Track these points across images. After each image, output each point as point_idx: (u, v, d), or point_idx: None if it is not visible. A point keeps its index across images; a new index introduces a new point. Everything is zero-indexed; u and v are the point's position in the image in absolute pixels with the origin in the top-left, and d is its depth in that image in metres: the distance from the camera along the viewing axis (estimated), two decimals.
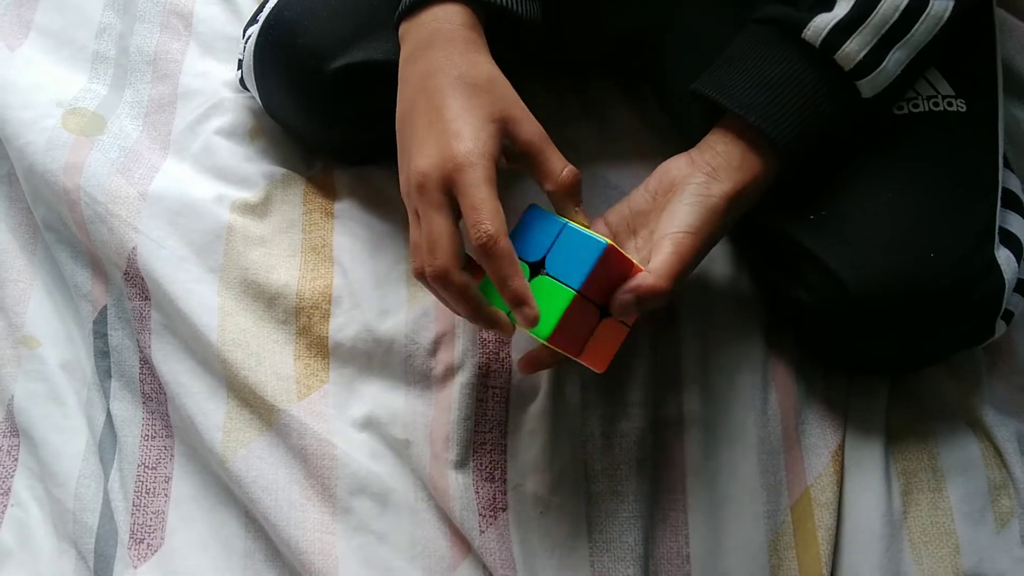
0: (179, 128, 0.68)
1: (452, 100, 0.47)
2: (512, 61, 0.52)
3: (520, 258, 0.47)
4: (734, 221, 0.53)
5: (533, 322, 0.45)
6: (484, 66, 0.49)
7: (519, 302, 0.45)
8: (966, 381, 0.61)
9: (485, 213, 0.44)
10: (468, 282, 0.46)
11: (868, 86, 0.52)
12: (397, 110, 0.51)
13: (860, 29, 0.50)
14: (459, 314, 0.48)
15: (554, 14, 0.55)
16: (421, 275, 0.47)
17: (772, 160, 0.52)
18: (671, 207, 0.51)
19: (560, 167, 0.48)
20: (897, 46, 0.51)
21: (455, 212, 0.46)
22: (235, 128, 0.67)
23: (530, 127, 0.48)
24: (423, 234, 0.46)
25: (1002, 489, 0.57)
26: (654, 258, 0.49)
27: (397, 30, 0.53)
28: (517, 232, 0.49)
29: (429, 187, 0.46)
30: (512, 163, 0.50)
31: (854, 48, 0.51)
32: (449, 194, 0.46)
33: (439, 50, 0.49)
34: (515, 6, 0.51)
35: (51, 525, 0.57)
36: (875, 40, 0.51)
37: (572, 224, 0.48)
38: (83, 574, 0.55)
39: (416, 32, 0.50)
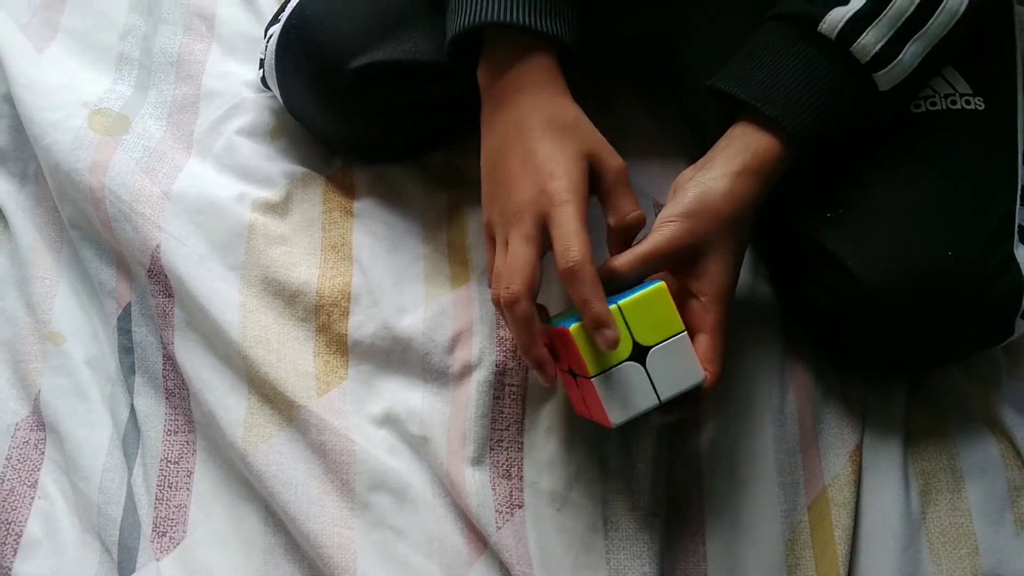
0: (202, 128, 0.68)
1: (543, 142, 0.51)
2: None
3: None
4: (749, 210, 0.52)
5: (613, 344, 0.46)
6: (570, 109, 0.53)
7: (600, 324, 0.46)
8: (985, 381, 0.60)
9: (575, 241, 0.47)
10: (534, 314, 0.48)
11: (885, 79, 0.52)
12: (485, 149, 0.54)
13: (876, 22, 0.51)
14: (518, 345, 0.50)
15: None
16: (497, 301, 0.50)
17: (788, 151, 0.52)
18: (668, 203, 0.52)
19: (629, 209, 0.51)
20: (913, 39, 0.51)
21: (543, 250, 0.49)
22: (256, 128, 0.68)
23: (613, 162, 0.52)
24: (507, 262, 0.49)
25: (1022, 490, 0.57)
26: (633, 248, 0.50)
27: (451, 52, 0.55)
28: None
29: (524, 219, 0.49)
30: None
31: (870, 41, 0.51)
32: (540, 229, 0.49)
33: (527, 95, 0.52)
34: (567, 38, 0.54)
35: (76, 517, 0.58)
36: (891, 32, 0.51)
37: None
38: (107, 565, 0.56)
39: (500, 73, 0.53)
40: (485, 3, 0.52)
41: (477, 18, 0.52)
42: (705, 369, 0.49)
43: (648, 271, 0.50)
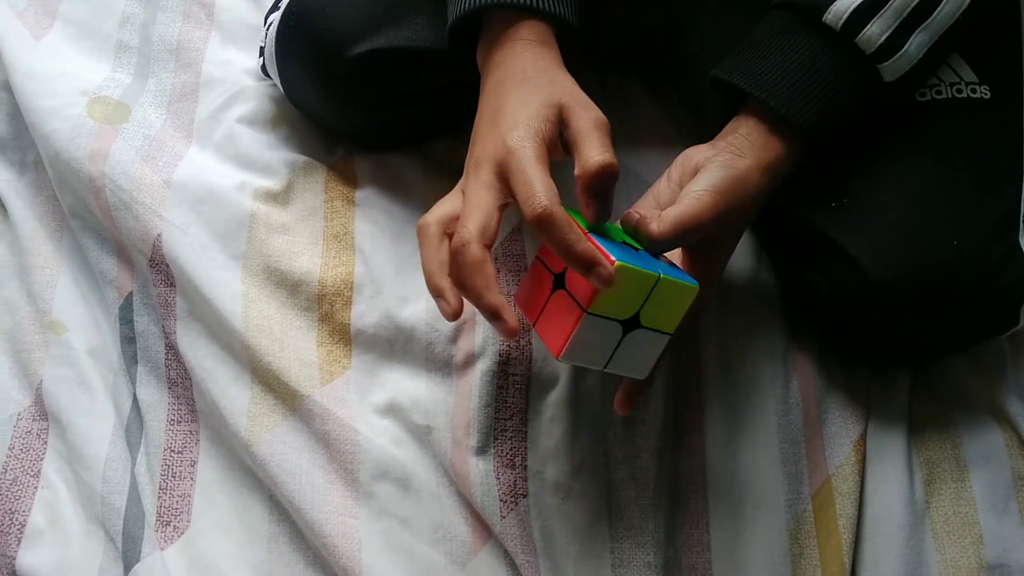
0: (202, 116, 0.68)
1: (512, 96, 0.48)
2: None
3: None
4: (758, 206, 0.52)
5: (609, 281, 0.43)
6: (547, 64, 0.50)
7: (590, 264, 0.43)
8: (989, 371, 0.60)
9: (537, 187, 0.44)
10: (486, 260, 0.45)
11: (890, 70, 0.51)
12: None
13: (881, 12, 0.50)
14: (470, 298, 0.47)
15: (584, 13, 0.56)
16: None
17: (794, 144, 0.52)
18: (696, 177, 0.49)
19: (592, 154, 0.46)
20: (919, 29, 0.51)
21: (502, 197, 0.46)
22: (257, 116, 0.68)
23: (585, 113, 0.48)
24: (463, 209, 0.46)
25: None
26: (669, 210, 0.47)
27: (451, 37, 0.54)
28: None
29: (482, 169, 0.47)
30: (568, 153, 0.49)
31: (875, 31, 0.50)
32: (498, 177, 0.46)
33: (512, 61, 0.50)
34: (570, 18, 0.52)
35: (80, 507, 0.58)
36: (896, 23, 0.50)
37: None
38: (112, 555, 0.56)
39: (494, 49, 0.52)
40: None
41: (476, 2, 0.51)
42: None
43: (680, 240, 0.48)
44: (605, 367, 0.47)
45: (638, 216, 0.47)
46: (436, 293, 0.48)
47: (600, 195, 0.47)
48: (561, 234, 0.43)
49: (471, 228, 0.45)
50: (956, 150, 0.55)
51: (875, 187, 0.54)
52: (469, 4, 0.52)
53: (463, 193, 0.48)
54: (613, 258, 0.44)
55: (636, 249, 0.48)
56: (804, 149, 0.52)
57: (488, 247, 0.45)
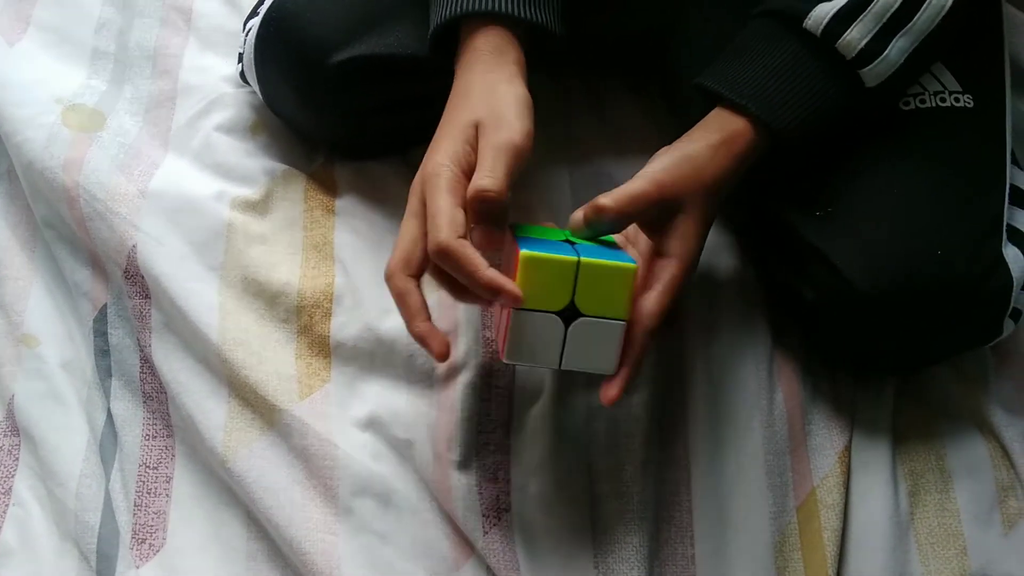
0: (179, 124, 0.67)
1: (449, 113, 0.50)
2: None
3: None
4: (720, 181, 0.51)
5: (517, 300, 0.44)
6: (483, 78, 0.50)
7: (494, 290, 0.44)
8: (974, 381, 0.60)
9: (439, 219, 0.45)
10: (410, 290, 0.47)
11: (871, 75, 0.51)
12: None
13: (861, 17, 0.50)
14: (458, 296, 0.48)
15: (567, 17, 0.55)
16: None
17: (758, 129, 0.51)
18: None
19: (475, 179, 0.46)
20: (899, 34, 0.51)
21: (423, 223, 0.47)
22: (236, 124, 0.67)
23: (493, 135, 0.47)
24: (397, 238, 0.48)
25: (1010, 490, 0.57)
26: (618, 188, 0.48)
27: (432, 46, 0.54)
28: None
29: (413, 196, 0.48)
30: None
31: (855, 36, 0.50)
32: (422, 203, 0.47)
33: (468, 74, 0.51)
34: (551, 24, 0.52)
35: (53, 524, 0.56)
36: (877, 28, 0.50)
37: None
38: (85, 574, 0.55)
39: (460, 60, 0.52)
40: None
41: (451, 12, 0.51)
42: (643, 318, 0.47)
43: (633, 215, 0.48)
44: (561, 365, 0.46)
45: (588, 205, 0.48)
46: (420, 341, 0.48)
47: (483, 219, 0.47)
48: (460, 265, 0.44)
49: (395, 260, 0.47)
50: (939, 159, 0.55)
51: (860, 196, 0.54)
52: (446, 14, 0.52)
53: None
54: (521, 250, 0.44)
55: (572, 243, 0.48)
56: (783, 152, 0.52)
57: (414, 276, 0.47)
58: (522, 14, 0.51)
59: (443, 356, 0.47)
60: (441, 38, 0.53)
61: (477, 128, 0.48)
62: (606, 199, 0.47)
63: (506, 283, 0.44)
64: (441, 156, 0.47)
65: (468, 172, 0.47)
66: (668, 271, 0.49)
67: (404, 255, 0.47)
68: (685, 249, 0.49)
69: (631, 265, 0.45)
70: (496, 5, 0.51)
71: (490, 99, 0.49)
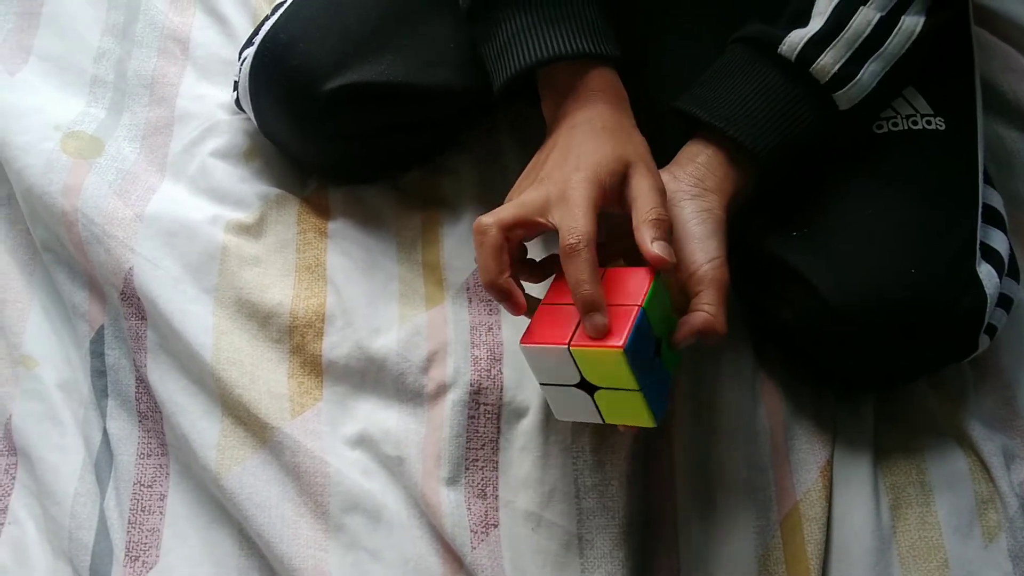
0: (176, 150, 0.68)
1: (587, 141, 0.50)
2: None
3: None
4: (722, 217, 0.52)
5: (602, 331, 0.45)
6: (619, 117, 0.52)
7: (590, 307, 0.45)
8: (953, 396, 0.61)
9: (580, 220, 0.46)
10: (502, 247, 0.47)
11: (844, 98, 0.53)
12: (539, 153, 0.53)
13: (834, 43, 0.52)
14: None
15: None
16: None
17: (752, 172, 0.53)
18: (682, 232, 0.50)
19: (657, 209, 0.48)
20: (872, 59, 0.53)
21: (541, 214, 0.48)
22: (230, 149, 0.68)
23: (649, 176, 0.49)
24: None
25: (989, 503, 0.58)
26: (702, 294, 0.48)
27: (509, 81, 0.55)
28: None
29: (539, 189, 0.49)
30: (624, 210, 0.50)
31: (828, 61, 0.52)
32: (553, 204, 0.48)
33: (585, 109, 0.52)
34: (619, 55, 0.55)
35: (47, 543, 0.57)
36: (849, 53, 0.52)
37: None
38: None
39: (564, 98, 0.53)
40: (541, 40, 0.53)
41: (536, 54, 0.53)
42: (718, 328, 0.47)
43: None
44: (605, 421, 0.48)
45: (697, 330, 0.48)
46: (501, 296, 0.48)
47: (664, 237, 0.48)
48: (579, 269, 0.45)
49: (503, 216, 0.47)
50: (913, 180, 0.56)
51: (835, 217, 0.56)
52: (529, 57, 0.53)
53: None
54: (521, 343, 0.47)
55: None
56: (761, 177, 0.53)
57: (504, 235, 0.47)
58: (597, 50, 0.53)
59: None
60: (515, 80, 0.55)
61: (627, 166, 0.49)
62: (719, 325, 0.48)
63: (601, 307, 0.45)
64: (587, 173, 0.48)
65: (609, 199, 0.48)
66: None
67: (512, 217, 0.48)
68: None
69: (615, 347, 0.44)
70: (576, 46, 0.53)
71: (637, 142, 0.51)
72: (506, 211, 0.48)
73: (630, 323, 0.45)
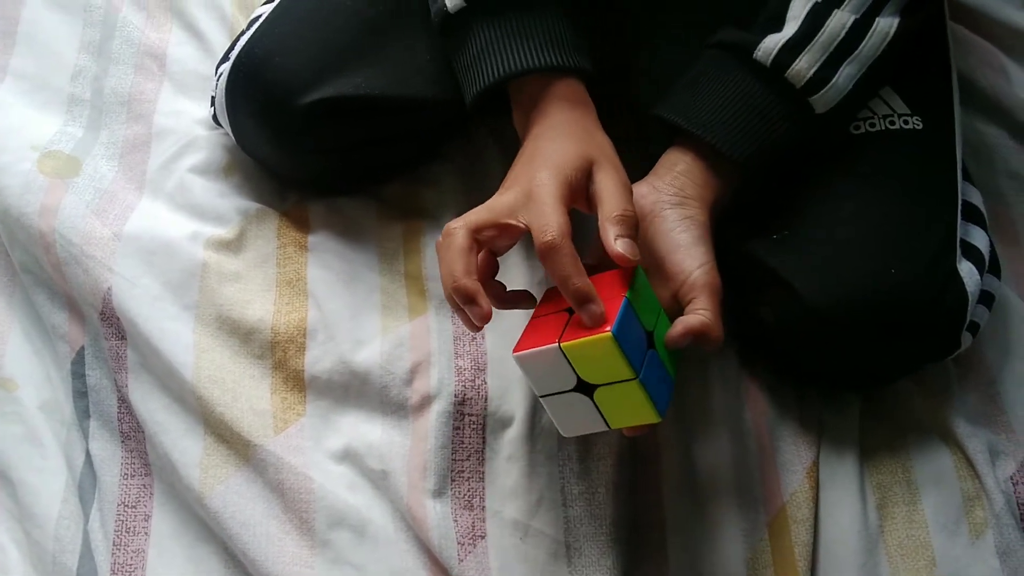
0: (154, 167, 0.68)
1: (551, 144, 0.51)
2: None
3: None
4: (705, 223, 0.52)
5: (599, 319, 0.45)
6: (584, 120, 0.53)
7: (583, 298, 0.45)
8: (937, 394, 0.61)
9: (551, 218, 0.46)
10: (471, 247, 0.47)
11: (820, 102, 0.53)
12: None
13: (809, 47, 0.52)
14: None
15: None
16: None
17: (731, 177, 0.53)
18: (668, 241, 0.50)
19: (618, 205, 0.48)
20: (847, 62, 0.53)
21: (511, 216, 0.48)
22: (209, 165, 0.68)
23: (614, 173, 0.49)
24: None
25: (975, 500, 0.58)
26: (696, 300, 0.48)
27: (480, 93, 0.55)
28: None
29: (507, 192, 0.49)
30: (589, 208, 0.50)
31: (804, 66, 0.52)
32: (522, 204, 0.48)
33: (552, 117, 0.53)
34: (589, 66, 0.55)
35: (30, 567, 0.56)
36: (824, 57, 0.52)
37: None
38: None
39: (532, 109, 0.54)
40: (509, 54, 0.53)
41: (504, 68, 0.53)
42: (715, 331, 0.47)
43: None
44: (610, 426, 0.47)
45: (693, 331, 0.48)
46: (466, 299, 0.47)
47: (629, 234, 0.47)
48: (563, 264, 0.45)
49: (470, 218, 0.47)
50: (892, 180, 0.57)
51: (815, 219, 0.56)
52: (497, 71, 0.53)
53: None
54: (515, 352, 0.46)
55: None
56: (740, 181, 0.53)
57: (475, 240, 0.47)
58: (575, 64, 0.53)
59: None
60: (486, 94, 0.55)
61: (591, 163, 0.49)
62: (715, 331, 0.48)
63: (594, 296, 0.45)
64: (552, 171, 0.48)
65: (575, 195, 0.48)
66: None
67: (480, 220, 0.47)
68: (608, 186, 0.49)
69: (605, 333, 0.44)
70: (575, 61, 0.53)
71: (601, 141, 0.52)
72: (473, 214, 0.48)
73: (617, 312, 0.45)
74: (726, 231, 0.56)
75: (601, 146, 0.51)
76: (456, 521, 0.56)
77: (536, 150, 0.51)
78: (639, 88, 0.65)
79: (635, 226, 0.48)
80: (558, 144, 0.50)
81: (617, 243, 0.46)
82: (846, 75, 0.53)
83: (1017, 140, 0.71)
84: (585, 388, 0.46)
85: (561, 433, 0.49)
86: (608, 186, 0.48)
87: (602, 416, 0.47)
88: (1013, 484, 0.58)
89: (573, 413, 0.48)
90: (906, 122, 0.58)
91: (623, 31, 0.66)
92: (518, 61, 0.53)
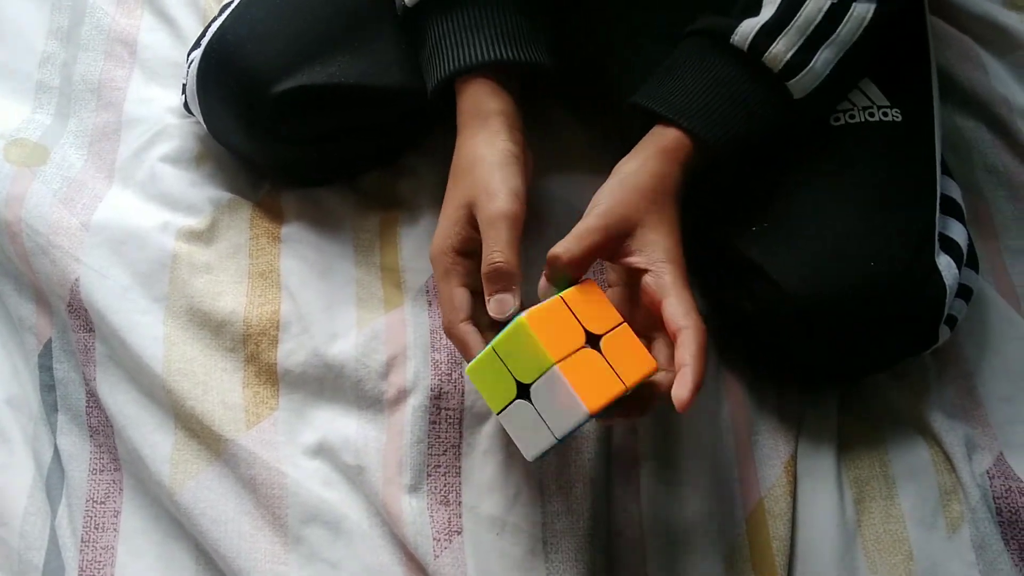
0: (124, 156, 0.67)
1: (447, 191, 0.54)
2: None
3: None
4: (668, 188, 0.51)
5: (502, 309, 0.49)
6: (476, 147, 0.53)
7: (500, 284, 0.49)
8: (915, 388, 0.61)
9: (442, 306, 0.51)
10: (472, 334, 0.51)
11: (798, 87, 0.53)
12: None
13: (785, 31, 0.52)
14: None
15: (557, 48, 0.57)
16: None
17: (698, 146, 0.52)
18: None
19: (485, 256, 0.50)
20: (824, 46, 0.52)
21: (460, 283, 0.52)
22: (180, 154, 0.67)
23: (487, 208, 0.50)
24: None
25: (952, 494, 0.58)
26: (569, 237, 0.49)
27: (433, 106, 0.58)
28: None
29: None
30: None
31: (780, 49, 0.52)
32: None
33: (460, 143, 0.55)
34: (538, 59, 0.56)
35: None
36: (801, 40, 0.52)
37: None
38: None
39: (458, 120, 0.56)
40: (460, 48, 0.54)
41: (457, 63, 0.54)
42: (682, 326, 0.46)
43: (589, 253, 0.48)
44: (557, 437, 0.45)
45: (550, 260, 0.49)
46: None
47: (498, 288, 0.50)
48: (459, 348, 0.51)
49: (444, 316, 0.52)
50: (870, 172, 0.56)
51: (794, 211, 0.55)
52: (441, 74, 0.55)
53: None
54: (466, 367, 0.48)
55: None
56: (716, 163, 0.53)
57: (465, 320, 0.51)
58: (506, 56, 0.53)
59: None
60: (443, 94, 0.56)
61: (471, 207, 0.51)
62: (557, 248, 0.48)
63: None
64: (438, 242, 0.52)
65: (465, 250, 0.52)
66: (664, 282, 0.48)
67: (448, 310, 0.52)
68: (660, 252, 0.49)
69: (520, 319, 0.45)
70: (475, 57, 0.54)
71: (477, 173, 0.52)
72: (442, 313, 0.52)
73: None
74: (706, 222, 0.55)
75: (478, 178, 0.52)
76: (432, 517, 0.55)
77: (445, 197, 0.54)
78: (622, 85, 0.65)
79: (509, 275, 0.49)
80: (449, 193, 0.53)
81: (490, 303, 0.50)
82: (823, 60, 0.53)
83: (995, 134, 0.71)
84: (524, 392, 0.46)
85: (524, 456, 0.47)
86: (482, 227, 0.50)
87: (545, 423, 0.45)
88: (989, 478, 0.58)
89: (526, 427, 0.46)
90: (885, 114, 0.58)
91: (609, 28, 0.65)
92: (471, 55, 0.54)
